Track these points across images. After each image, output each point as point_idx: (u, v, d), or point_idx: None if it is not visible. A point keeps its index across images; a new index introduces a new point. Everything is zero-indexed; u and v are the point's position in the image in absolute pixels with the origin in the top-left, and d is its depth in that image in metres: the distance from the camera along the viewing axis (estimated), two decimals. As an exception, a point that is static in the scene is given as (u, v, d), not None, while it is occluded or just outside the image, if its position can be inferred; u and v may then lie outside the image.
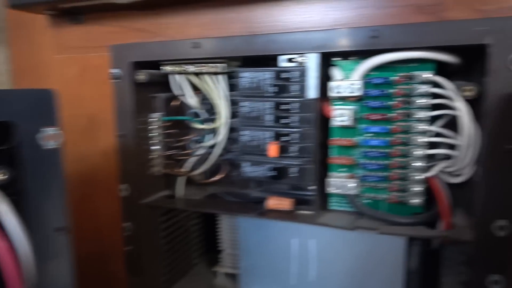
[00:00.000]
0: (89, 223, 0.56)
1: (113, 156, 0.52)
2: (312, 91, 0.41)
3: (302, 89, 0.41)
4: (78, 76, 0.51)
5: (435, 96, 0.40)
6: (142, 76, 0.48)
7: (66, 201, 0.33)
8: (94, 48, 0.50)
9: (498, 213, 0.37)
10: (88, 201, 0.56)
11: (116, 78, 0.49)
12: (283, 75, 0.41)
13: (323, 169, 0.47)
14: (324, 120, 0.45)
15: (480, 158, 0.37)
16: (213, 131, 0.52)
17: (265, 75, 0.43)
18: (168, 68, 0.49)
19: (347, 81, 0.41)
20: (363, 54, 0.42)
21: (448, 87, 0.38)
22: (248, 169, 0.45)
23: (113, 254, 0.55)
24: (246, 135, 0.45)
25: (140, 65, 0.49)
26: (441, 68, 0.41)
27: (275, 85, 0.42)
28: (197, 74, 0.49)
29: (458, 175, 0.41)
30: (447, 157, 0.41)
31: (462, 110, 0.37)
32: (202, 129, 0.53)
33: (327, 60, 0.44)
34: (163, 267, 0.58)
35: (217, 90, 0.49)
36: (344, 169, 0.45)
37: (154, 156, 0.52)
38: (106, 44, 0.49)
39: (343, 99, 0.43)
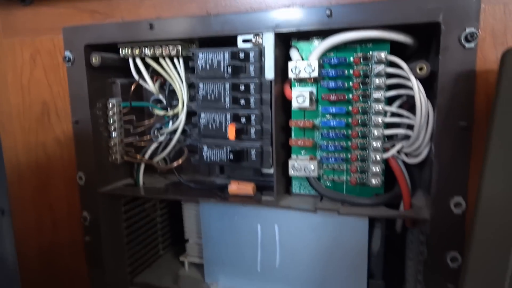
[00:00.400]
0: (47, 213, 0.54)
1: (70, 143, 0.50)
2: (269, 72, 0.40)
3: (260, 70, 0.41)
4: (30, 61, 0.49)
5: (391, 76, 0.40)
6: (96, 59, 0.47)
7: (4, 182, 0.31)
8: (46, 31, 0.48)
9: (453, 190, 0.37)
10: (45, 191, 0.53)
11: (70, 62, 0.47)
12: (240, 56, 0.40)
13: (286, 152, 0.46)
14: (286, 103, 0.44)
15: (434, 136, 0.37)
16: (174, 117, 0.51)
17: (221, 56, 0.42)
18: (125, 51, 0.47)
19: (304, 62, 0.40)
20: (321, 34, 0.42)
21: (403, 66, 0.38)
22: (208, 153, 0.44)
23: (73, 245, 0.53)
24: (205, 118, 0.44)
25: (96, 48, 0.47)
26: (399, 51, 0.41)
27: (232, 66, 0.41)
28: (155, 58, 0.48)
29: (416, 156, 0.41)
30: (405, 138, 0.41)
31: (416, 89, 0.37)
32: (163, 116, 0.52)
33: (286, 42, 0.44)
34: (126, 258, 0.56)
35: (176, 73, 0.47)
36: (305, 152, 0.44)
37: (113, 143, 0.50)
38: (58, 26, 0.46)
39: (302, 81, 0.43)
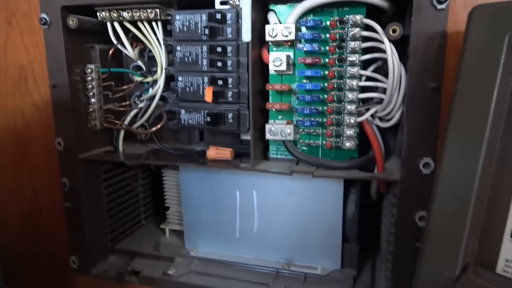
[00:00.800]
0: (27, 180, 0.54)
1: (48, 109, 0.50)
2: (246, 34, 0.41)
3: (237, 32, 0.41)
4: (5, 23, 0.48)
5: (366, 40, 0.40)
6: (73, 21, 0.46)
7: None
8: (21, -8, 0.47)
9: (422, 151, 0.38)
10: (24, 158, 0.53)
11: (46, 25, 0.46)
12: (217, 17, 0.40)
13: (263, 117, 0.47)
14: (264, 68, 0.44)
15: (406, 98, 0.38)
16: (154, 84, 0.51)
17: (199, 18, 0.42)
18: (102, 14, 0.47)
19: (281, 25, 0.40)
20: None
21: (377, 28, 0.38)
22: (185, 117, 0.45)
23: (53, 211, 0.54)
24: (182, 81, 0.44)
25: (73, 10, 0.47)
26: (377, 17, 0.41)
27: (209, 28, 0.41)
28: (134, 22, 0.47)
29: (389, 120, 0.42)
30: (380, 103, 0.42)
31: (389, 51, 0.38)
32: (142, 82, 0.52)
33: (265, 5, 0.44)
34: (107, 226, 0.57)
35: (154, 38, 0.47)
36: (282, 117, 0.45)
37: (92, 109, 0.50)
38: (33, -13, 0.46)
39: (280, 45, 0.43)
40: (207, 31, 0.41)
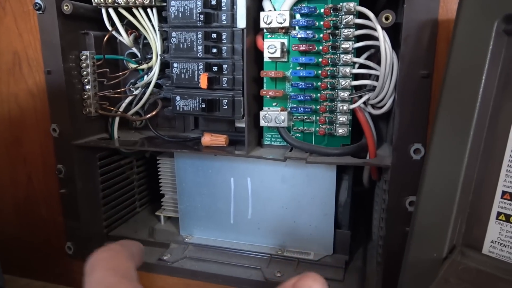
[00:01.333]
0: (22, 167, 0.54)
1: (43, 95, 0.50)
2: (241, 21, 0.41)
3: (232, 18, 0.41)
4: (-2, 8, 0.48)
5: (360, 27, 0.41)
6: (68, 7, 0.46)
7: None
8: (14, -24, 0.47)
9: (413, 137, 0.39)
10: (19, 144, 0.53)
11: (41, 10, 0.46)
12: (212, 3, 0.40)
13: (258, 104, 0.47)
14: (259, 55, 0.45)
15: (398, 85, 0.38)
16: (149, 71, 0.51)
17: (194, 4, 0.42)
18: (97, 0, 0.47)
19: (276, 12, 0.41)
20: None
21: (370, 16, 0.39)
22: (181, 103, 0.45)
23: (49, 198, 0.54)
24: (177, 67, 0.44)
25: (68, -4, 0.47)
26: (371, 4, 0.41)
27: (204, 14, 0.41)
28: (129, 8, 0.47)
29: (381, 107, 0.43)
30: (372, 90, 0.43)
31: (381, 38, 0.38)
32: (137, 69, 0.52)
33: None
34: (102, 213, 0.57)
35: (150, 24, 0.47)
36: (277, 104, 0.46)
37: (87, 96, 0.50)
38: (27, -28, 0.46)
39: (274, 32, 0.43)
40: (202, 17, 0.41)
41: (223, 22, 0.41)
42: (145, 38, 0.50)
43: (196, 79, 0.43)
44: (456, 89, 0.31)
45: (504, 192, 0.30)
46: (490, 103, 0.31)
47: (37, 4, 0.46)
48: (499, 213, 0.30)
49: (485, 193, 0.31)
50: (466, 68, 0.30)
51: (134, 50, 0.53)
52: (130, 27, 0.50)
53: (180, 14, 0.42)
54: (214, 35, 0.41)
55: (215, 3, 0.40)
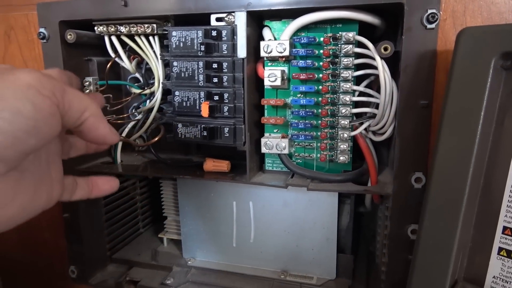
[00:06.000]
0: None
1: (47, 121, 0.51)
2: (241, 51, 0.41)
3: (232, 48, 0.41)
4: (4, 37, 0.49)
5: (359, 56, 0.41)
6: (71, 36, 0.47)
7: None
8: (19, 7, 0.47)
9: (414, 166, 0.39)
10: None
11: (45, 39, 0.47)
12: (213, 34, 0.41)
13: (259, 130, 0.47)
14: (259, 82, 0.45)
15: (397, 114, 0.39)
16: (151, 96, 0.51)
17: (195, 34, 0.42)
18: (100, 29, 0.48)
19: (276, 42, 0.41)
20: (293, 14, 0.42)
21: (369, 46, 0.39)
22: (182, 130, 0.45)
23: (52, 222, 0.54)
24: (179, 96, 0.45)
25: (71, 25, 0.47)
26: (369, 33, 0.42)
27: (205, 44, 0.41)
28: (131, 36, 0.48)
29: (382, 134, 0.43)
30: (373, 117, 0.43)
31: (381, 68, 0.38)
32: (140, 94, 0.52)
33: (259, 21, 0.45)
34: (105, 235, 0.57)
35: (151, 51, 0.48)
36: (277, 130, 0.46)
37: (90, 121, 0.51)
38: (32, 2, 0.46)
39: (274, 60, 0.44)
40: (203, 48, 0.42)
41: (223, 52, 0.42)
42: (147, 63, 0.50)
43: (197, 107, 0.44)
44: (455, 125, 0.31)
45: (505, 228, 0.30)
46: (489, 138, 0.31)
47: (42, 34, 0.47)
48: (500, 249, 0.30)
49: (486, 228, 0.31)
50: (465, 104, 0.31)
51: (137, 75, 0.53)
52: (132, 53, 0.51)
53: (182, 44, 0.43)
54: (215, 65, 0.42)
55: (215, 34, 0.41)
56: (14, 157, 0.22)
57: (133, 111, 0.54)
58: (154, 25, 0.45)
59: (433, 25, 0.35)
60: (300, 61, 0.42)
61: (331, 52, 0.41)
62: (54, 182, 0.29)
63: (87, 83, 0.50)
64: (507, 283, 0.30)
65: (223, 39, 0.41)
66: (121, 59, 0.51)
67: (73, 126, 0.27)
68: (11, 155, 0.22)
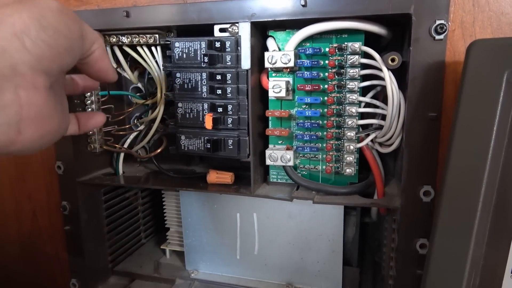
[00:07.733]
0: (26, 203, 0.54)
1: (48, 133, 0.50)
2: (245, 62, 0.41)
3: (236, 59, 0.41)
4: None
5: (365, 67, 0.40)
6: (73, 47, 0.46)
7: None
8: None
9: (422, 179, 0.38)
10: (24, 181, 0.53)
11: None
12: (216, 45, 0.40)
13: (263, 142, 0.47)
14: (263, 93, 0.44)
15: (405, 125, 0.38)
16: (154, 106, 0.51)
17: (198, 45, 0.42)
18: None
19: (280, 52, 0.40)
20: (298, 25, 0.42)
21: (376, 57, 0.38)
22: (185, 142, 0.45)
23: (53, 234, 0.53)
24: (182, 107, 0.44)
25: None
26: (375, 43, 0.41)
27: (208, 55, 0.41)
28: (133, 46, 0.47)
29: (389, 145, 0.42)
30: (379, 128, 0.42)
31: (388, 79, 0.38)
32: (142, 104, 0.52)
33: (263, 31, 0.44)
34: (107, 247, 0.56)
35: (154, 62, 0.47)
36: (282, 141, 0.45)
37: (92, 132, 0.50)
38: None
39: (279, 71, 0.43)
40: (206, 59, 0.41)
41: (227, 63, 0.41)
42: (149, 73, 0.50)
43: (201, 119, 0.43)
44: (467, 140, 0.30)
45: (519, 246, 0.29)
46: (501, 153, 0.30)
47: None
48: (514, 268, 0.29)
49: (499, 246, 0.30)
50: (477, 118, 0.30)
51: (139, 85, 0.53)
52: (134, 63, 0.51)
53: (184, 55, 0.42)
54: (218, 76, 0.41)
55: (219, 45, 0.40)
56: (56, 72, 0.24)
57: (135, 121, 0.53)
58: (157, 35, 0.44)
59: (441, 36, 0.35)
60: (305, 72, 0.41)
61: (336, 63, 0.41)
62: (67, 111, 0.29)
63: (88, 94, 0.50)
64: (522, 303, 0.29)
65: (227, 50, 0.41)
66: (123, 69, 0.50)
67: (84, 55, 0.28)
68: (55, 69, 0.24)
